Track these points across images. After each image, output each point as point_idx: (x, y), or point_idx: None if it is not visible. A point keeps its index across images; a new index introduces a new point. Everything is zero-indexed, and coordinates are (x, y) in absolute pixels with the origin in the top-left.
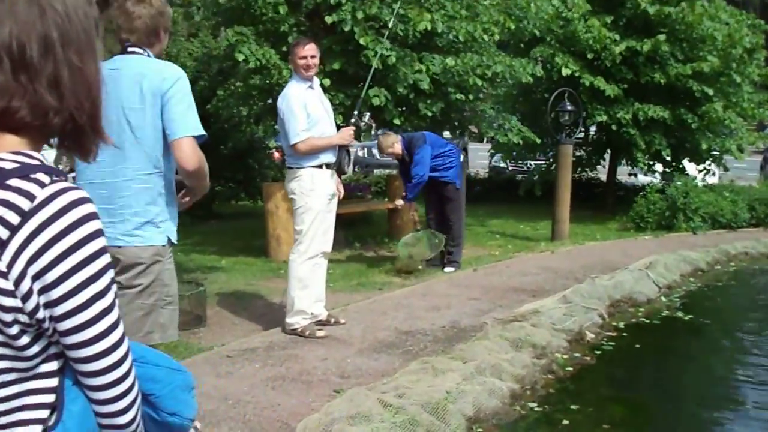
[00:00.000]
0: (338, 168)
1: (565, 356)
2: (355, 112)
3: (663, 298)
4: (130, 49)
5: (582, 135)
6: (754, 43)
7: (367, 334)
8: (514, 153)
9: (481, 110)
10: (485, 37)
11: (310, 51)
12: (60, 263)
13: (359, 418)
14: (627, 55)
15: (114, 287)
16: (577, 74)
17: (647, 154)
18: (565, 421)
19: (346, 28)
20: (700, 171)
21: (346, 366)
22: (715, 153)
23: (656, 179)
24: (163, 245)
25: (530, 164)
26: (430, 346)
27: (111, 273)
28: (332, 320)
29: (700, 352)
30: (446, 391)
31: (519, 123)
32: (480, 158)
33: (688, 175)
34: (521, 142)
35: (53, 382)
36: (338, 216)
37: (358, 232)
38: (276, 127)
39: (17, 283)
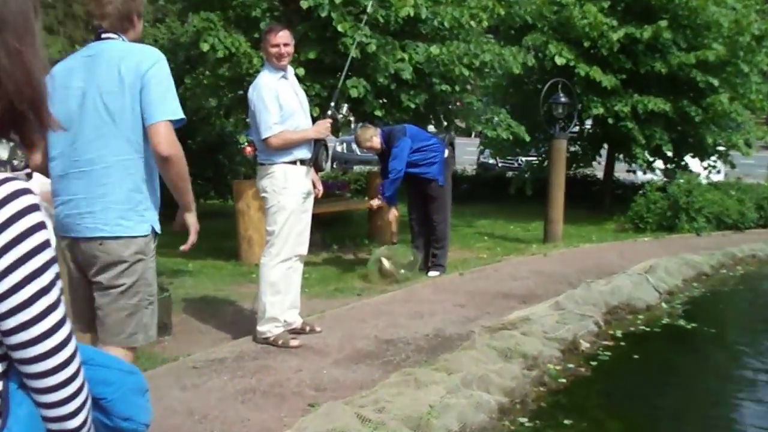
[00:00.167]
0: (315, 164)
1: (557, 367)
2: (332, 104)
3: (664, 305)
4: (104, 36)
5: (577, 129)
6: (763, 29)
7: (345, 343)
8: (503, 147)
9: (468, 103)
10: (473, 23)
11: (283, 38)
12: (0, 258)
13: None
14: (625, 42)
15: (59, 283)
16: (571, 64)
17: (647, 150)
18: None
19: (323, 14)
20: (704, 168)
21: (321, 378)
22: (720, 148)
23: (657, 176)
24: (146, 235)
25: (521, 160)
26: (413, 357)
27: (55, 267)
28: (307, 328)
29: (703, 363)
30: (429, 405)
31: (509, 117)
32: (467, 154)
33: (691, 172)
34: (511, 137)
35: None
36: (315, 216)
37: (336, 233)
38: (247, 120)
39: None
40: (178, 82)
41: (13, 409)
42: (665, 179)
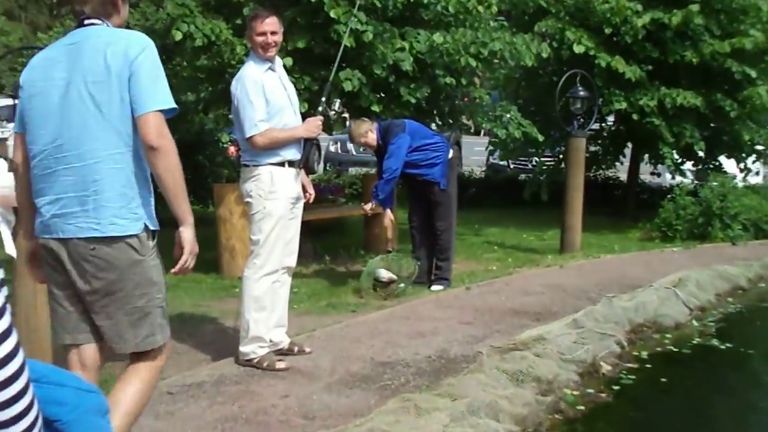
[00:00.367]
0: (305, 166)
1: (575, 392)
2: (324, 99)
3: (695, 323)
4: (86, 22)
5: (597, 126)
6: None
7: (337, 365)
8: (514, 148)
9: (476, 97)
10: (480, 8)
11: (270, 26)
12: None
13: None
14: (652, 29)
15: (4, 289)
16: (591, 53)
17: (676, 149)
18: None
19: None
20: (741, 169)
21: (311, 404)
22: (759, 147)
23: (687, 179)
24: (140, 234)
25: (535, 162)
26: (413, 381)
27: None
28: (295, 349)
29: (739, 388)
30: None
31: (520, 114)
32: (475, 154)
33: (725, 173)
34: (523, 137)
35: None
36: (305, 223)
37: (329, 242)
38: (230, 116)
39: None
40: None
41: None
42: (696, 182)
